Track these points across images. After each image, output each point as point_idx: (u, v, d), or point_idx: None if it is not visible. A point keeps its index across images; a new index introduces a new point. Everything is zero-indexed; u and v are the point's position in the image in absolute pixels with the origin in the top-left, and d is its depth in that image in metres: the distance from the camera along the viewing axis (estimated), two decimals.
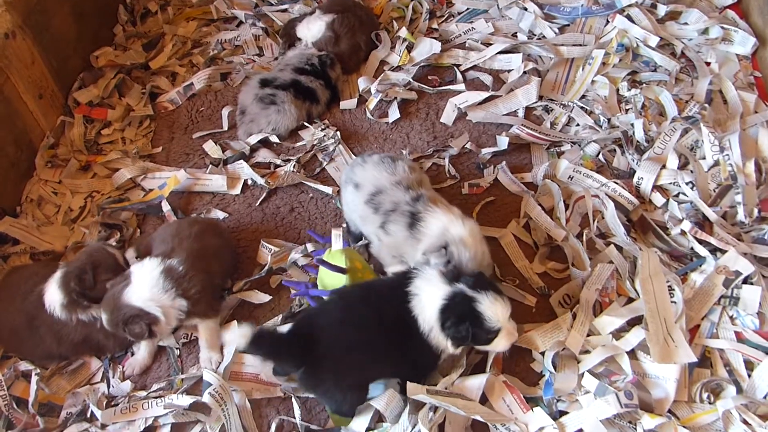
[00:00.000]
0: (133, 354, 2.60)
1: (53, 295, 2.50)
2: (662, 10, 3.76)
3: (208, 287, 2.55)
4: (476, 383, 2.27)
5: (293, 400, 2.37)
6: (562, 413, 2.25)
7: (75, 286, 2.48)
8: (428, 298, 2.18)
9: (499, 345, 2.21)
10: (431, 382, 2.28)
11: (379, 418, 2.28)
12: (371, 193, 2.61)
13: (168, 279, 2.43)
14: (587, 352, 2.38)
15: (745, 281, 2.51)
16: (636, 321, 2.42)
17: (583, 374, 2.32)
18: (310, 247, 2.80)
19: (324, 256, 2.58)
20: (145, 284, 2.41)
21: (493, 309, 2.14)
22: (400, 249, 2.53)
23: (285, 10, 4.12)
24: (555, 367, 2.34)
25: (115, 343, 2.58)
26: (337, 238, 2.62)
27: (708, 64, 3.49)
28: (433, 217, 2.46)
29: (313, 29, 3.63)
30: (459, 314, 2.13)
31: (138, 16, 4.22)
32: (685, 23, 3.74)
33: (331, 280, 2.49)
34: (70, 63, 3.68)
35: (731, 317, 2.48)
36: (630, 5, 3.74)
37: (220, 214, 3.05)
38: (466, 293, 2.15)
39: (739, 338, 2.42)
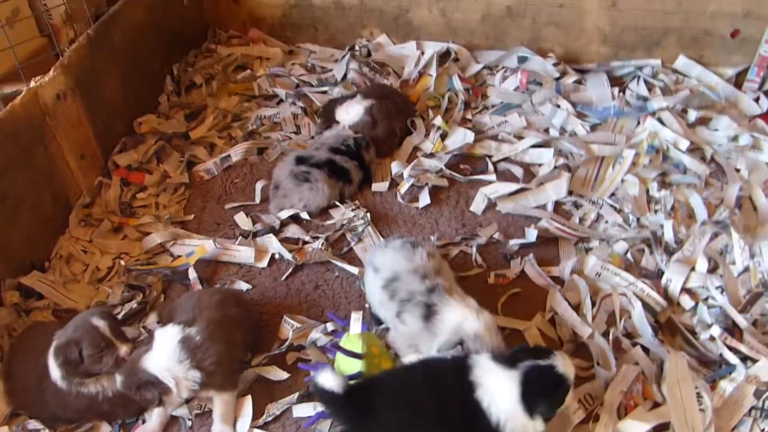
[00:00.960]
0: (144, 422, 2.56)
1: (52, 367, 2.49)
2: (693, 115, 3.82)
3: (226, 359, 2.53)
4: None
5: None
6: None
7: (65, 364, 2.46)
8: (498, 388, 2.11)
9: (569, 399, 2.18)
10: None
11: None
12: (388, 278, 2.61)
13: (184, 349, 2.43)
14: None
15: None
16: (662, 427, 2.35)
17: None
18: (330, 326, 2.78)
19: (342, 341, 2.56)
20: (163, 352, 2.41)
21: (565, 364, 2.12)
22: (415, 339, 2.51)
23: (324, 92, 4.25)
24: None
25: (123, 411, 2.54)
26: (356, 321, 2.58)
27: (738, 170, 3.51)
28: (449, 311, 2.45)
29: (351, 113, 3.73)
30: (542, 389, 2.10)
31: (183, 87, 4.38)
32: (716, 129, 3.79)
33: (347, 366, 2.45)
34: (114, 127, 3.80)
35: (762, 430, 2.40)
36: (661, 109, 3.81)
37: (244, 286, 3.06)
38: (539, 365, 2.12)
39: None
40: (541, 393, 2.10)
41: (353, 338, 2.52)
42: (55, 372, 2.47)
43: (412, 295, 2.52)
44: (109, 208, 3.50)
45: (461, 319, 2.40)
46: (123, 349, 2.50)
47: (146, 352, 2.41)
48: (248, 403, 2.54)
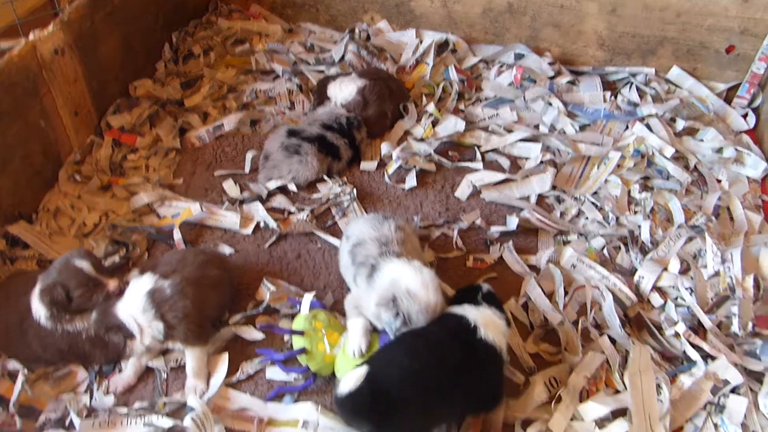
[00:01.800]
0: (120, 371, 2.61)
1: (37, 307, 2.54)
2: (681, 124, 3.90)
3: (194, 316, 2.56)
4: None
5: None
6: None
7: (52, 304, 2.52)
8: (489, 322, 2.35)
9: None
10: None
11: None
12: (353, 244, 2.69)
13: (151, 300, 2.50)
14: None
15: (733, 391, 2.52)
16: (620, 413, 2.42)
17: None
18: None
19: (294, 320, 2.64)
20: (131, 300, 2.50)
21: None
22: (360, 301, 2.54)
23: (321, 71, 4.30)
24: None
25: (101, 354, 2.59)
26: (306, 301, 2.70)
27: (719, 181, 3.60)
28: (387, 268, 2.48)
29: (344, 91, 3.78)
30: (498, 303, 2.52)
31: (181, 56, 4.41)
32: (701, 140, 3.87)
33: (345, 368, 2.45)
34: (110, 88, 3.83)
35: (715, 424, 2.47)
36: (650, 115, 3.89)
37: (227, 250, 3.11)
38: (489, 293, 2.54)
39: None
40: (499, 306, 2.48)
41: (301, 317, 2.61)
42: (40, 312, 2.52)
43: (366, 258, 2.58)
44: (99, 167, 3.53)
45: (398, 275, 2.43)
46: (111, 284, 2.58)
47: (119, 297, 2.52)
48: (224, 360, 2.59)
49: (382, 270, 2.49)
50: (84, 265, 2.55)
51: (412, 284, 2.38)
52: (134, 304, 2.48)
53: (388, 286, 2.41)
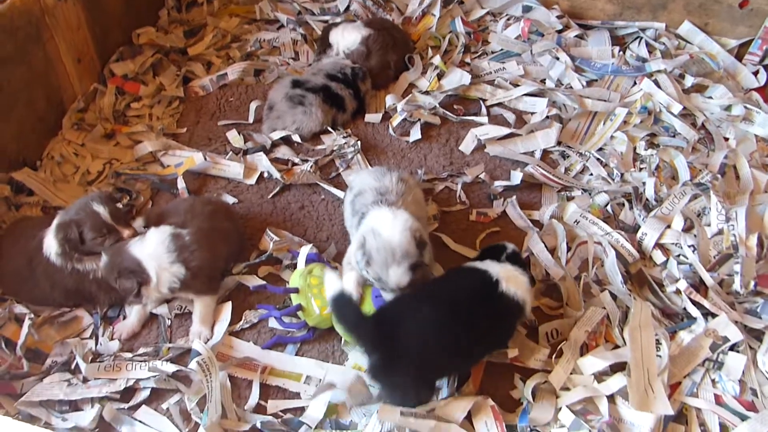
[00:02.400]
0: (125, 318, 2.64)
1: (49, 243, 2.57)
2: (689, 80, 3.86)
3: (209, 266, 2.60)
4: (463, 405, 2.29)
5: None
6: None
7: (65, 241, 2.54)
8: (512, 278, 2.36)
9: None
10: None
11: None
12: (355, 194, 2.68)
13: (174, 244, 2.51)
14: (567, 389, 2.42)
15: (731, 348, 2.54)
16: (620, 367, 2.45)
17: (560, 408, 2.34)
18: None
19: (291, 277, 2.66)
20: (153, 242, 2.51)
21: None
22: (350, 255, 2.52)
23: (326, 21, 4.23)
24: (534, 397, 2.37)
25: (107, 297, 2.62)
26: (302, 256, 2.71)
27: (726, 139, 3.57)
28: (372, 215, 2.47)
29: (347, 39, 3.74)
30: (522, 262, 2.50)
31: (184, 4, 4.35)
32: (710, 97, 3.83)
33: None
34: (113, 36, 3.78)
35: (713, 380, 2.51)
36: (659, 71, 3.84)
37: (230, 200, 3.11)
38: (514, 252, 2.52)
39: (718, 401, 2.44)
40: (523, 264, 2.45)
41: (296, 274, 2.63)
42: (52, 247, 2.55)
43: (361, 207, 2.57)
44: (102, 115, 3.51)
45: (374, 220, 2.42)
46: (126, 233, 2.60)
47: (136, 241, 2.52)
48: (227, 308, 2.62)
49: (367, 217, 2.48)
50: (101, 210, 2.57)
51: (380, 225, 2.38)
52: (155, 244, 2.49)
53: (364, 230, 2.42)
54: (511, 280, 2.34)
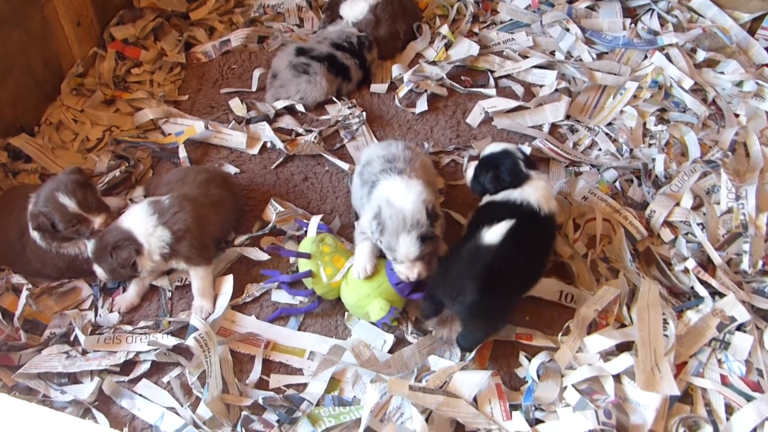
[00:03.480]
0: (125, 290, 2.60)
1: (31, 227, 2.51)
2: (701, 55, 3.79)
3: (196, 231, 2.54)
4: (475, 380, 2.29)
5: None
6: (539, 421, 2.26)
7: (40, 230, 2.48)
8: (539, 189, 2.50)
9: None
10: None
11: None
12: (363, 164, 2.64)
13: (152, 208, 2.48)
14: (572, 368, 2.39)
15: (738, 328, 2.52)
16: (626, 347, 2.42)
17: (566, 387, 2.32)
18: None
19: (301, 243, 2.64)
20: (135, 212, 2.49)
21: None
22: (364, 223, 2.47)
23: None
24: (539, 376, 2.35)
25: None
26: (313, 225, 2.67)
27: (737, 115, 3.51)
28: (383, 184, 2.43)
29: (355, 9, 3.65)
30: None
31: None
32: (722, 72, 3.76)
33: (350, 293, 2.49)
34: None
35: (719, 360, 2.49)
36: (671, 45, 3.76)
37: (232, 170, 3.06)
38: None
39: (724, 382, 2.43)
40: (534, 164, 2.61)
41: (307, 240, 2.59)
42: (33, 232, 2.50)
43: (370, 176, 2.53)
44: (102, 80, 3.44)
45: (388, 189, 2.39)
46: (97, 221, 2.51)
47: (122, 216, 2.51)
48: (229, 281, 2.58)
49: (379, 186, 2.44)
50: (67, 201, 2.45)
51: (393, 194, 2.35)
52: (137, 213, 2.47)
53: (378, 200, 2.38)
54: (543, 198, 2.47)
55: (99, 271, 2.48)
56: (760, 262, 2.74)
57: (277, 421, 2.21)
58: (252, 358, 2.41)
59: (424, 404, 2.17)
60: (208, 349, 2.29)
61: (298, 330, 2.52)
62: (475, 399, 2.27)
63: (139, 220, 2.45)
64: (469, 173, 2.71)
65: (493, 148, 2.67)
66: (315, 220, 2.68)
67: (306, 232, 2.69)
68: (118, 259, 2.40)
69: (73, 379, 2.32)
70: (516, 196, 2.47)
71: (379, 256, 2.48)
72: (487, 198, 2.59)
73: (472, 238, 2.33)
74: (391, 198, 2.33)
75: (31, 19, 3.08)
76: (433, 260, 2.41)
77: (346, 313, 2.53)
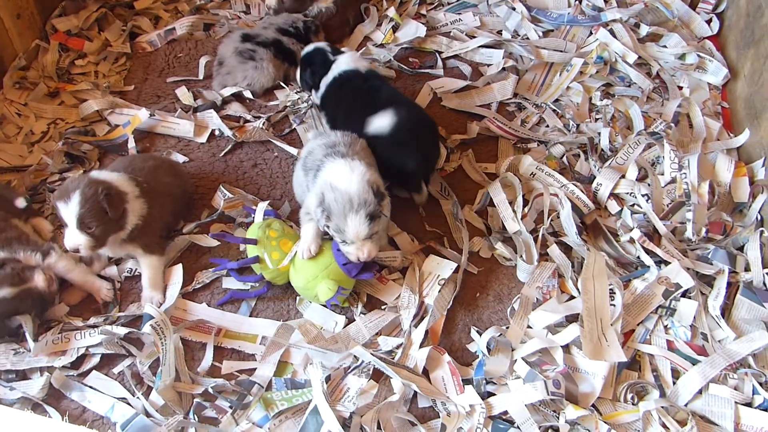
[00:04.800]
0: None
1: None
2: (644, 30, 3.84)
3: (152, 219, 2.53)
4: (421, 355, 2.34)
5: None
6: (490, 394, 2.30)
7: None
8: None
9: None
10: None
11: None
12: (304, 156, 2.66)
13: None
14: (523, 342, 2.44)
15: (683, 295, 2.58)
16: (575, 318, 2.47)
17: (516, 360, 2.37)
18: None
19: (249, 230, 2.63)
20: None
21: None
22: (309, 206, 2.48)
23: None
24: (489, 351, 2.38)
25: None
26: (259, 211, 2.67)
27: (680, 88, 3.58)
28: (327, 168, 2.45)
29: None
30: None
31: None
32: (664, 46, 3.82)
33: (298, 276, 2.49)
34: None
35: (665, 326, 2.55)
36: (614, 20, 3.82)
37: (180, 158, 3.04)
38: None
39: (670, 347, 2.49)
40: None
41: (254, 226, 2.59)
42: None
43: (314, 163, 2.54)
44: (45, 73, 3.39)
45: (331, 173, 2.40)
46: (40, 283, 2.38)
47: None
48: (178, 271, 2.57)
49: (323, 169, 2.45)
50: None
51: (336, 178, 2.36)
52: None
53: (322, 185, 2.39)
54: (353, 62, 3.02)
55: None
56: (703, 230, 2.81)
57: (230, 407, 2.22)
58: (204, 345, 2.40)
59: (390, 373, 2.22)
60: (165, 336, 2.29)
61: (250, 316, 2.51)
62: (427, 374, 2.31)
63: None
64: (297, 76, 3.19)
65: (307, 49, 3.14)
66: (262, 207, 2.68)
67: (254, 218, 2.69)
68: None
69: (22, 375, 2.29)
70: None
71: (326, 238, 2.50)
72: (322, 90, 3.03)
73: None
74: (334, 182, 2.34)
75: None
76: (382, 239, 2.42)
77: (298, 297, 2.54)
